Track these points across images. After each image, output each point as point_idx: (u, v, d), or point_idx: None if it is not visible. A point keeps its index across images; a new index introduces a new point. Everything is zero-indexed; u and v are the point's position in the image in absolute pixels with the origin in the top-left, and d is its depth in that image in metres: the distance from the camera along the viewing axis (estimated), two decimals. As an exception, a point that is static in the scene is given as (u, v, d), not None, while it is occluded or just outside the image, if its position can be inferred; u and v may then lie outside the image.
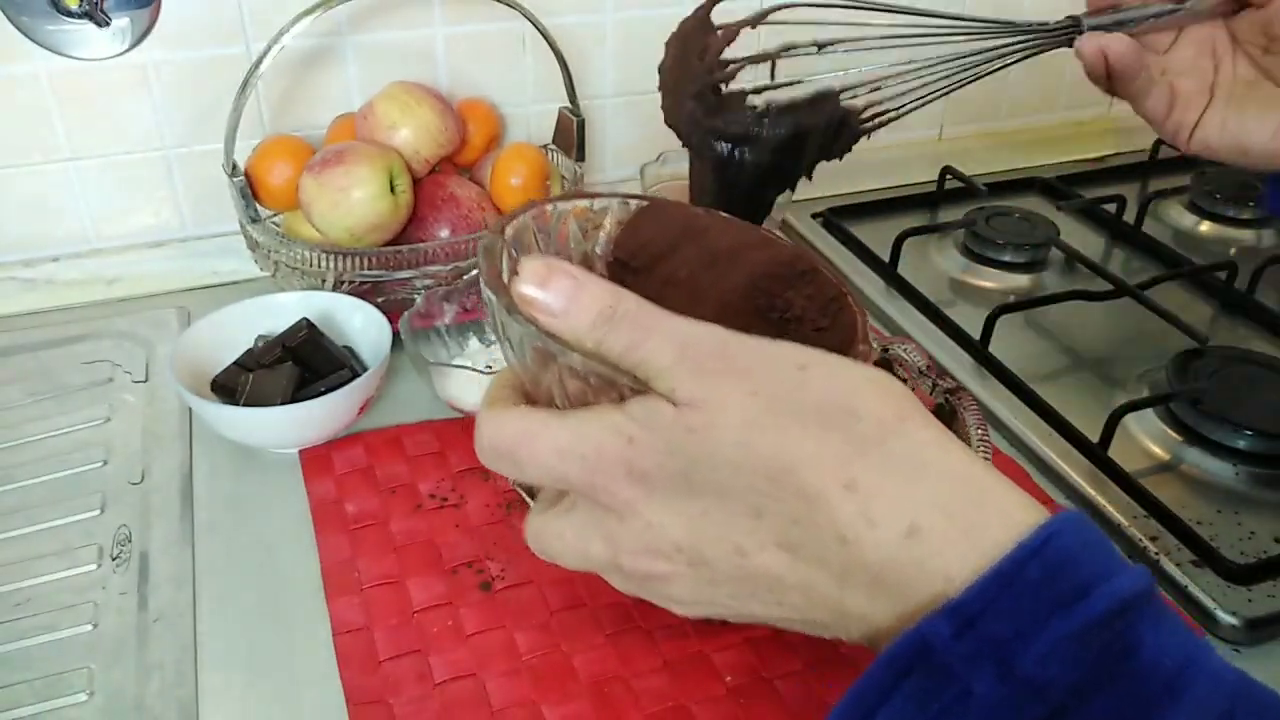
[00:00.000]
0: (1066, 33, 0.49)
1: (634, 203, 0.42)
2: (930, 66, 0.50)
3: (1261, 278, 0.86)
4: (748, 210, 0.47)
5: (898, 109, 0.51)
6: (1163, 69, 0.49)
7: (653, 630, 0.55)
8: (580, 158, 0.84)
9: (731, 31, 0.48)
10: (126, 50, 0.77)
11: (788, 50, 0.48)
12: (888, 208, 1.01)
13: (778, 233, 0.44)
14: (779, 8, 0.50)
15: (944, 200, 1.02)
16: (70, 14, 0.74)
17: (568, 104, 0.84)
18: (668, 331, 0.29)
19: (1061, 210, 1.01)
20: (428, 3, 0.83)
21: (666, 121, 0.49)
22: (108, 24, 0.75)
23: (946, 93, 0.51)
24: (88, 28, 0.75)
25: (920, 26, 0.50)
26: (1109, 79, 0.48)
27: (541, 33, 0.79)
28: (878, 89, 0.50)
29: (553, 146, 0.88)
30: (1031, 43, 0.49)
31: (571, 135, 0.84)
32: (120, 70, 0.78)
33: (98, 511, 0.64)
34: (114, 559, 0.61)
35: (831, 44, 0.49)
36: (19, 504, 0.64)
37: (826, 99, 0.50)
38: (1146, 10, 0.48)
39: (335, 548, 0.60)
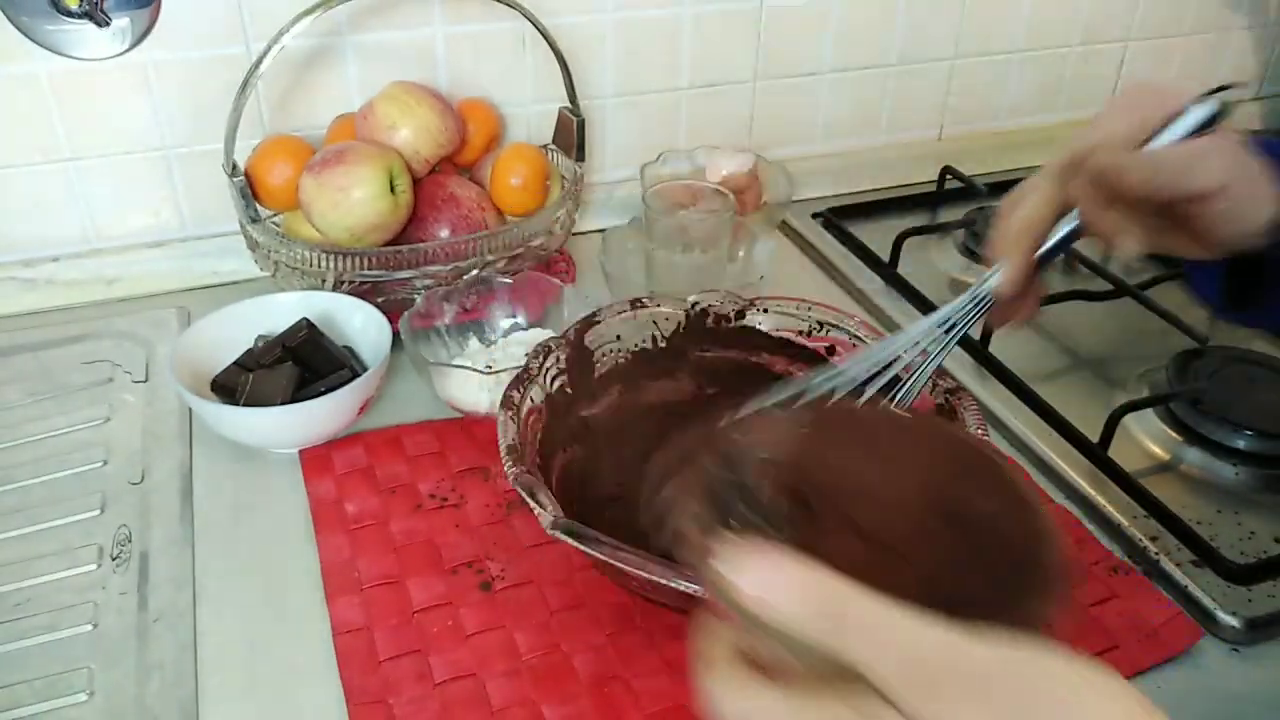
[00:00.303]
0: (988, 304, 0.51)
1: (792, 409, 0.42)
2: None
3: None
4: None
5: None
6: None
7: (653, 631, 0.55)
8: (580, 158, 0.84)
9: None
10: (126, 50, 0.77)
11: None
12: (888, 208, 1.01)
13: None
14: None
15: (944, 200, 1.02)
16: (70, 14, 0.74)
17: (568, 104, 0.84)
18: (886, 636, 0.29)
19: (1061, 210, 1.01)
20: (428, 2, 0.83)
21: None
22: (108, 24, 0.75)
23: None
24: (88, 28, 0.75)
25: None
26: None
27: (541, 33, 0.79)
28: None
29: (553, 146, 0.88)
30: (966, 323, 0.50)
31: (571, 135, 0.84)
32: (120, 70, 0.78)
33: (98, 511, 0.64)
34: (114, 559, 0.61)
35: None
36: (19, 504, 0.64)
37: None
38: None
39: (335, 548, 0.60)
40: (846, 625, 0.29)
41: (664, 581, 0.46)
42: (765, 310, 0.66)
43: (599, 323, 0.64)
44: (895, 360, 0.51)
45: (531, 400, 0.58)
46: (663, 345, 0.66)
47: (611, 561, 0.47)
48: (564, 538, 0.48)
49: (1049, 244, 0.50)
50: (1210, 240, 0.49)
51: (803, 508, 0.37)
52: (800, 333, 0.65)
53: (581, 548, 0.48)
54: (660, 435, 0.65)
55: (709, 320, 0.66)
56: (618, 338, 0.65)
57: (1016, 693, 0.28)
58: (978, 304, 0.50)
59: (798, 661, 0.30)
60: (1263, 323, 0.52)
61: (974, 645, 0.29)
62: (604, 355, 0.65)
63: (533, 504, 0.50)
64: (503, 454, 0.53)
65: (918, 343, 0.51)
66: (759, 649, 0.32)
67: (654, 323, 0.66)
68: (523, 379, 0.59)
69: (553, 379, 0.61)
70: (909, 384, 0.52)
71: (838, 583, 0.29)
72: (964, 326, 0.50)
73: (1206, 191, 0.47)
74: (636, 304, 0.66)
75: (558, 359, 0.62)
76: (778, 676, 0.31)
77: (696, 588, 0.46)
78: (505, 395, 0.57)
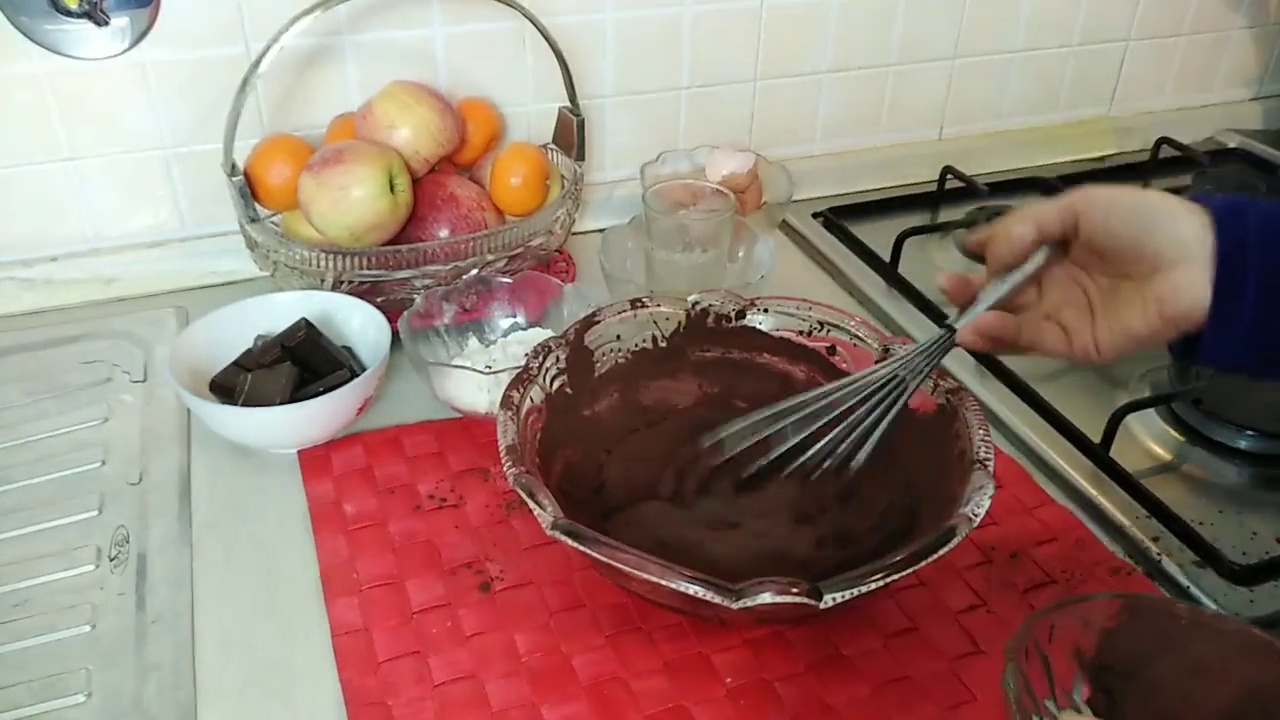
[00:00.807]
0: (945, 340, 0.56)
1: (1121, 603, 0.44)
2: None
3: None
4: None
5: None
6: (1046, 313, 0.55)
7: (652, 631, 0.55)
8: (580, 157, 0.84)
9: None
10: (126, 50, 0.77)
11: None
12: (888, 207, 1.00)
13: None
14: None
15: (944, 200, 1.02)
16: (70, 14, 0.74)
17: (568, 103, 0.84)
18: None
19: (1062, 210, 1.00)
20: (427, 2, 0.83)
21: None
22: (107, 23, 0.75)
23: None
24: (87, 27, 0.75)
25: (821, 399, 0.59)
26: (998, 348, 0.55)
27: (541, 32, 0.79)
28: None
29: (553, 146, 0.88)
30: (923, 364, 0.56)
31: (571, 135, 0.84)
32: (119, 70, 0.78)
33: (96, 512, 0.64)
34: (112, 559, 0.60)
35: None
36: (17, 504, 0.64)
37: None
38: (999, 290, 0.54)
39: (334, 548, 0.60)
40: None
41: (663, 582, 0.46)
42: (765, 310, 0.66)
43: (599, 322, 0.64)
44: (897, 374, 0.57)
45: (531, 400, 0.58)
46: (663, 345, 0.66)
47: (611, 562, 0.47)
48: (563, 538, 0.48)
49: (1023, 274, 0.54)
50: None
51: (1106, 696, 0.38)
52: (800, 333, 0.65)
53: (581, 548, 0.47)
54: (660, 435, 0.65)
55: (709, 320, 0.66)
56: (618, 338, 0.65)
57: None
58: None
59: None
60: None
61: None
62: (604, 355, 0.65)
63: (532, 504, 0.50)
64: (502, 454, 0.53)
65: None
66: None
67: (654, 323, 0.66)
68: (522, 379, 0.59)
69: (552, 379, 0.61)
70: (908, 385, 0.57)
71: None
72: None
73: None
74: (636, 304, 0.65)
75: (557, 359, 0.62)
76: None
77: (695, 589, 0.45)
78: (505, 395, 0.57)
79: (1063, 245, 0.53)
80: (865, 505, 0.59)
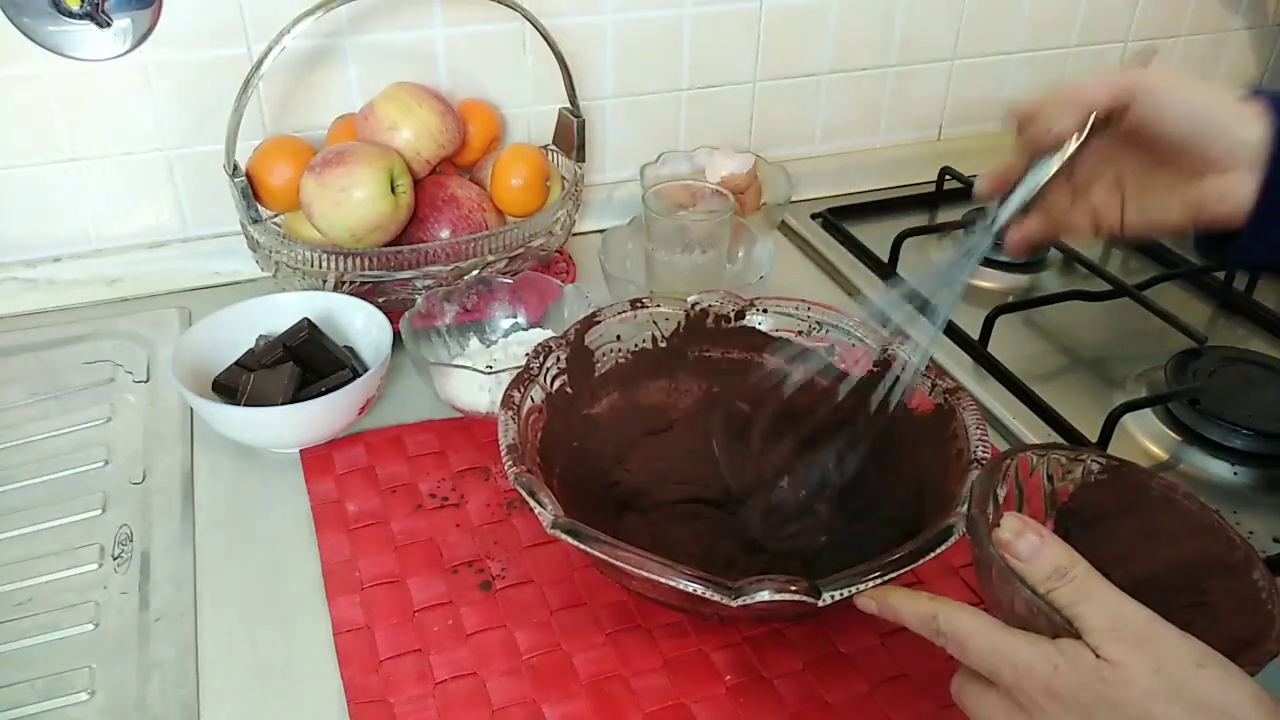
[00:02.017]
0: (991, 244, 0.55)
1: (1105, 463, 0.47)
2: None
3: (1260, 278, 0.86)
4: None
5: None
6: (1074, 189, 0.53)
7: (653, 629, 0.56)
8: (580, 158, 0.85)
9: None
10: (128, 51, 0.77)
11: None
12: (887, 208, 1.01)
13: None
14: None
15: (943, 200, 1.03)
16: (71, 15, 0.74)
17: (568, 105, 0.85)
18: (1105, 601, 0.38)
19: (1061, 210, 1.01)
20: (428, 4, 0.83)
21: None
22: (109, 25, 0.75)
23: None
24: (89, 29, 0.75)
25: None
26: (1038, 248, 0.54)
27: (541, 34, 0.79)
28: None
29: (553, 147, 0.88)
30: (971, 258, 0.55)
31: (572, 136, 0.84)
32: (121, 71, 0.78)
33: (99, 511, 0.64)
34: (115, 558, 0.61)
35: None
36: (20, 504, 0.65)
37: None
38: (1037, 178, 0.52)
39: (336, 547, 0.60)
40: (1073, 583, 0.38)
41: (663, 580, 0.46)
42: (765, 310, 0.66)
43: (599, 323, 0.65)
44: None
45: (532, 400, 0.59)
46: (663, 345, 0.66)
47: (611, 561, 0.47)
48: (564, 537, 0.48)
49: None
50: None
51: (1063, 535, 0.42)
52: (799, 333, 0.66)
53: (581, 547, 0.48)
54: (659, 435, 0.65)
55: (709, 320, 0.66)
56: (618, 338, 0.65)
57: (1187, 670, 0.36)
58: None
59: (1024, 606, 0.39)
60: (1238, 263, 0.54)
61: (1171, 630, 0.37)
62: (604, 355, 0.65)
63: (533, 503, 0.50)
64: (503, 453, 0.53)
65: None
66: (997, 594, 0.41)
67: (654, 323, 0.66)
68: (523, 379, 0.59)
69: (553, 379, 0.61)
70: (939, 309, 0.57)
71: (1077, 558, 0.39)
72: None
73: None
74: (636, 304, 0.66)
75: (558, 359, 0.62)
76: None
77: (694, 586, 0.46)
78: (506, 395, 0.57)
79: (1105, 121, 0.50)
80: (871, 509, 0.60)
